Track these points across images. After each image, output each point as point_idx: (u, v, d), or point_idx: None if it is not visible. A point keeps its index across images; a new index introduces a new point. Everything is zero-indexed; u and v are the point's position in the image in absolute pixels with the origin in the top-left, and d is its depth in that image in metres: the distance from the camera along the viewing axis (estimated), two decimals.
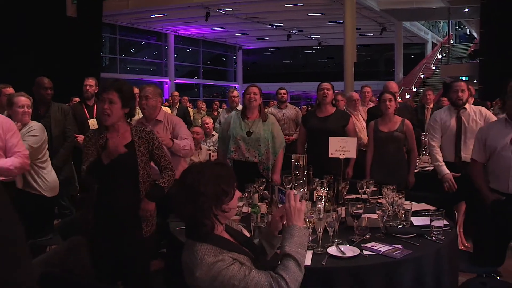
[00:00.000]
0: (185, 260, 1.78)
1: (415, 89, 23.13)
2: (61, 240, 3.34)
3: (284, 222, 1.94)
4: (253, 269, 1.73)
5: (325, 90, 4.39)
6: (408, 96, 18.28)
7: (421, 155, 5.25)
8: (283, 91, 6.50)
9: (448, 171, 4.05)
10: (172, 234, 2.70)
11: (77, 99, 6.73)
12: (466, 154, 3.98)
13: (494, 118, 4.06)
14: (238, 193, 1.88)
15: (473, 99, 5.64)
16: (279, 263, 1.79)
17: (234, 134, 4.15)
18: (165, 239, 3.17)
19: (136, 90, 4.44)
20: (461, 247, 4.52)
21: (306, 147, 4.63)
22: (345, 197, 3.25)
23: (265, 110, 6.93)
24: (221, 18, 22.63)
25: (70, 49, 11.01)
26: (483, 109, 4.13)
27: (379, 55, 31.12)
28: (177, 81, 27.15)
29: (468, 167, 3.74)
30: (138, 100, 3.76)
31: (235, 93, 6.29)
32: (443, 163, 4.10)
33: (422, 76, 24.99)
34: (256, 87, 4.22)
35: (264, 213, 2.78)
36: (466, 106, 4.09)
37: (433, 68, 26.02)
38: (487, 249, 3.38)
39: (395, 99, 4.34)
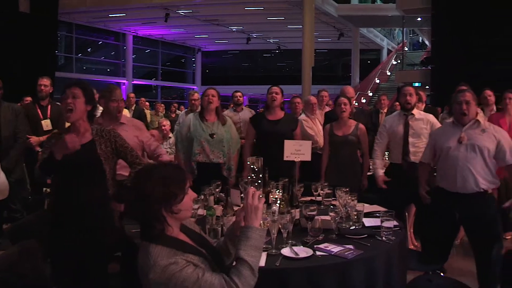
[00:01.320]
0: (140, 262, 1.78)
1: (370, 94, 23.72)
2: (11, 244, 3.24)
3: None
4: (207, 272, 1.74)
5: (274, 94, 4.48)
6: (364, 101, 18.71)
7: None
8: (238, 94, 6.55)
9: (381, 174, 4.35)
10: (127, 236, 2.68)
11: (29, 98, 6.52)
12: (413, 157, 4.15)
13: (439, 125, 4.24)
14: (192, 194, 1.88)
15: (424, 105, 5.85)
16: (233, 265, 1.81)
17: (197, 137, 4.22)
18: (121, 242, 3.14)
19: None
20: (411, 246, 4.70)
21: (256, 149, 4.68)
22: (300, 199, 3.32)
23: (223, 112, 7.01)
24: (181, 20, 22.50)
25: (22, 46, 10.65)
26: (431, 117, 4.31)
27: (337, 60, 31.70)
28: (135, 82, 26.73)
29: (416, 168, 3.91)
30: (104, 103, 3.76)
31: (196, 95, 6.26)
32: (380, 167, 4.39)
33: (377, 81, 25.67)
34: (214, 90, 4.31)
35: (219, 215, 2.81)
36: (415, 111, 4.25)
37: (388, 73, 26.76)
38: (433, 247, 3.53)
39: (350, 104, 4.45)
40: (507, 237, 5.33)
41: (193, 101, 6.18)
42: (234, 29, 25.49)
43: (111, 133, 2.85)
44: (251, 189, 1.91)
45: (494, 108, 5.48)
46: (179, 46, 31.09)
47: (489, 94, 5.51)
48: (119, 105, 3.70)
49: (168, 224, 1.80)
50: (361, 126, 4.40)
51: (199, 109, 6.12)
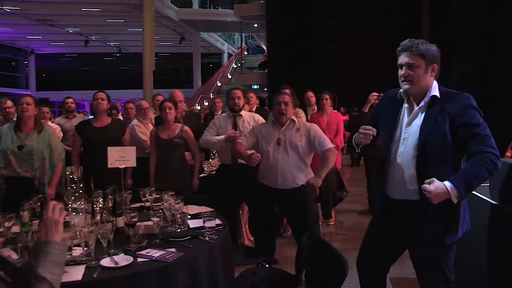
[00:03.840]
0: None
1: (213, 97, 24.39)
2: None
3: None
4: None
5: (100, 100, 4.36)
6: (206, 104, 19.14)
7: (210, 160, 5.53)
8: (70, 100, 6.25)
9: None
10: None
11: None
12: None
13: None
14: None
15: (255, 106, 6.18)
16: (32, 284, 1.70)
17: (4, 149, 3.91)
18: None
19: None
20: (247, 242, 4.93)
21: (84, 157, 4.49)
22: (131, 206, 3.26)
23: (54, 120, 6.57)
24: (7, 17, 20.49)
25: None
26: (256, 115, 4.57)
27: (179, 63, 31.91)
28: None
29: (245, 169, 4.08)
30: None
31: (9, 103, 5.65)
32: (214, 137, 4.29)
33: (219, 84, 26.51)
34: (30, 97, 4.05)
35: (35, 230, 2.62)
36: (243, 113, 4.46)
37: (229, 77, 27.83)
38: (261, 241, 3.76)
39: (176, 107, 4.50)
40: (330, 223, 5.92)
41: (7, 110, 5.60)
42: (70, 31, 24.05)
43: None
44: (52, 203, 1.84)
45: (316, 107, 6.01)
46: (8, 47, 28.43)
47: (311, 95, 6.03)
48: None
49: None
50: (186, 128, 4.47)
51: (15, 117, 5.64)
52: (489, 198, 2.91)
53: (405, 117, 2.49)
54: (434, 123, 2.34)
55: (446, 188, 2.18)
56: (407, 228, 2.47)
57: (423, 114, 2.41)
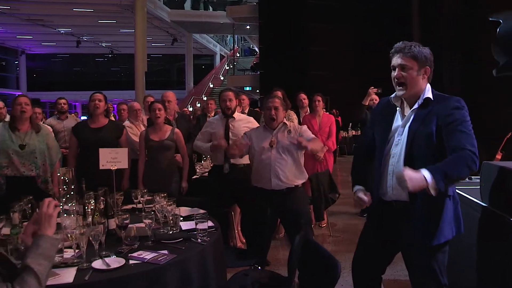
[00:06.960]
0: None
1: (205, 98, 24.38)
2: None
3: None
4: None
5: (97, 101, 4.35)
6: (198, 105, 19.12)
7: (202, 161, 5.52)
8: (62, 101, 6.22)
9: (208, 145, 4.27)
10: None
11: None
12: (233, 159, 4.31)
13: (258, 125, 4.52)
14: None
15: (248, 108, 6.18)
16: (19, 274, 1.70)
17: (4, 148, 3.88)
18: None
19: None
20: (239, 244, 4.92)
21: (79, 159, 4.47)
22: (123, 208, 3.25)
23: (46, 120, 6.54)
24: None
25: None
26: (251, 119, 4.57)
27: (171, 65, 31.85)
28: None
29: (237, 171, 4.11)
30: None
31: (0, 103, 5.63)
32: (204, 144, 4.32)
33: (211, 85, 26.49)
34: (26, 97, 4.03)
35: None
36: (235, 115, 4.45)
37: (222, 78, 27.82)
38: (253, 243, 3.76)
39: (166, 109, 4.49)
40: (322, 225, 5.93)
41: None
42: (62, 31, 23.92)
43: None
44: (48, 199, 1.86)
45: (308, 109, 6.03)
46: None
47: (304, 98, 6.04)
48: None
49: None
50: (177, 130, 4.46)
51: (7, 117, 5.60)
52: (479, 201, 2.92)
53: (398, 121, 2.50)
54: (422, 123, 2.35)
55: (423, 175, 2.10)
56: (399, 230, 2.48)
57: (413, 115, 2.42)
